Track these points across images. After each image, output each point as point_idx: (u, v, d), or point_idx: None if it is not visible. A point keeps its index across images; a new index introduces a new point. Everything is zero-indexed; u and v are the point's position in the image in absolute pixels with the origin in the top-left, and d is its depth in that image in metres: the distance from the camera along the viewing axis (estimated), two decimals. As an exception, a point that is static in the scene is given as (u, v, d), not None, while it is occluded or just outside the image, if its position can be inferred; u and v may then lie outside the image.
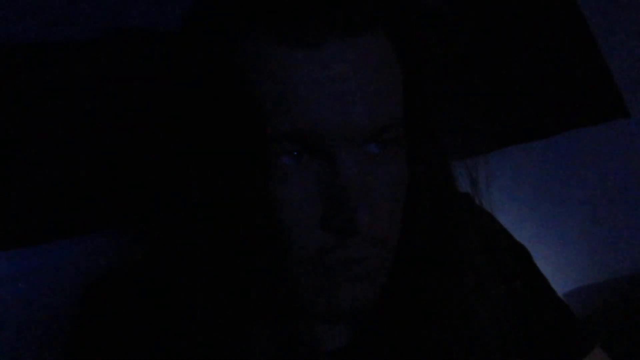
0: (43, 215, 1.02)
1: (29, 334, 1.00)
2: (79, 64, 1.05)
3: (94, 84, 1.05)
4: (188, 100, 0.72)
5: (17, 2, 1.03)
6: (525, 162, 1.38)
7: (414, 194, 0.76)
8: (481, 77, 1.40)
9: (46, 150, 1.03)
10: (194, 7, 0.74)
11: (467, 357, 0.79)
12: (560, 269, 1.35)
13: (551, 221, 1.38)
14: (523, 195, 1.36)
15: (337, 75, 0.68)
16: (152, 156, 0.76)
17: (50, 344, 0.99)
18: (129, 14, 1.07)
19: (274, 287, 0.73)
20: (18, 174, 1.02)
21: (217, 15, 0.71)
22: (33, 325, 1.00)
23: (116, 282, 0.79)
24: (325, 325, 0.78)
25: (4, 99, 1.02)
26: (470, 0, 1.42)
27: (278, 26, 0.68)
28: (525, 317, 0.84)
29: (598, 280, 1.40)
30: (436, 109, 0.76)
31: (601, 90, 1.48)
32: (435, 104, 0.76)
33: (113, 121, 1.04)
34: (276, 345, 0.75)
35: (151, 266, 0.76)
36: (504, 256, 0.85)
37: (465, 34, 1.40)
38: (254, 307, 0.73)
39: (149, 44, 1.06)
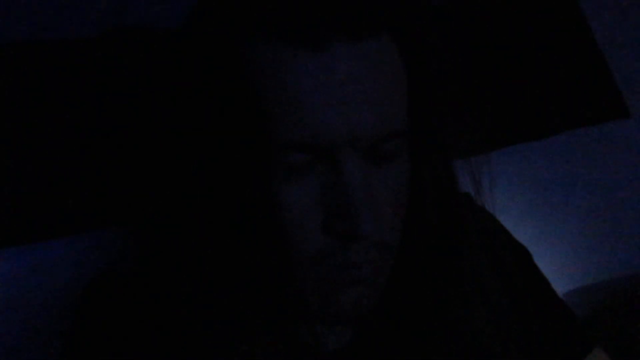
0: (42, 213, 1.02)
1: (27, 332, 1.00)
2: (79, 62, 1.05)
3: (95, 83, 1.05)
4: (191, 103, 0.71)
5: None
6: (526, 162, 1.39)
7: (416, 196, 0.76)
8: (482, 77, 1.40)
9: (46, 148, 1.03)
10: (197, 7, 0.73)
11: (468, 358, 0.79)
12: (560, 269, 1.35)
13: (551, 221, 1.39)
14: (523, 195, 1.36)
15: (342, 79, 0.68)
16: (154, 156, 0.76)
17: (48, 343, 0.99)
18: (129, 12, 1.07)
19: (276, 289, 0.73)
20: (17, 172, 1.02)
21: (222, 17, 0.71)
22: (31, 323, 1.00)
23: (115, 281, 0.79)
24: (327, 326, 0.78)
25: (4, 97, 1.02)
26: (471, 0, 1.42)
27: (283, 28, 0.68)
28: (526, 318, 0.84)
29: (598, 280, 1.40)
30: (440, 113, 0.76)
31: (601, 90, 1.48)
32: (440, 107, 0.76)
33: (113, 120, 1.04)
34: (278, 346, 0.75)
35: (151, 266, 0.76)
36: (504, 256, 0.85)
37: (466, 34, 1.40)
38: (256, 308, 0.73)
39: (150, 43, 1.06)
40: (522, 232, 0.93)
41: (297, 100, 0.68)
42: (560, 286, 0.94)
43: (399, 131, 0.71)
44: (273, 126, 0.68)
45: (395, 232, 0.74)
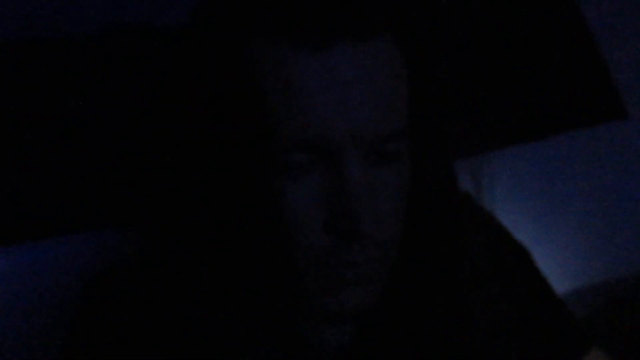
0: (44, 211, 1.02)
1: (29, 329, 1.00)
2: (80, 61, 1.05)
3: (95, 82, 1.05)
4: (194, 102, 0.72)
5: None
6: (526, 163, 1.39)
7: (416, 196, 0.76)
8: (482, 78, 1.40)
9: (46, 148, 1.03)
10: (201, 7, 0.73)
11: (467, 356, 0.79)
12: (560, 269, 1.35)
13: (551, 221, 1.39)
14: (523, 195, 1.36)
15: (345, 79, 0.68)
16: (156, 155, 0.76)
17: (48, 342, 0.99)
18: (129, 11, 1.07)
19: (277, 287, 0.73)
20: (17, 172, 1.02)
21: (225, 16, 0.71)
22: (33, 320, 1.00)
23: (118, 277, 0.79)
24: (329, 324, 0.78)
25: (4, 97, 1.02)
26: (472, 1, 1.42)
27: (287, 28, 0.68)
28: (525, 317, 0.84)
29: (598, 280, 1.40)
30: (441, 113, 0.76)
31: (600, 92, 1.49)
32: (440, 107, 0.76)
33: (114, 119, 1.04)
34: (280, 344, 0.75)
35: (154, 263, 0.77)
36: (504, 256, 0.85)
37: (466, 35, 1.40)
38: (258, 305, 0.74)
39: (150, 42, 1.06)
40: (521, 231, 0.93)
41: (300, 100, 0.68)
42: (560, 286, 0.94)
43: (400, 131, 0.72)
44: (276, 126, 0.68)
45: (396, 231, 0.74)
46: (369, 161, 0.71)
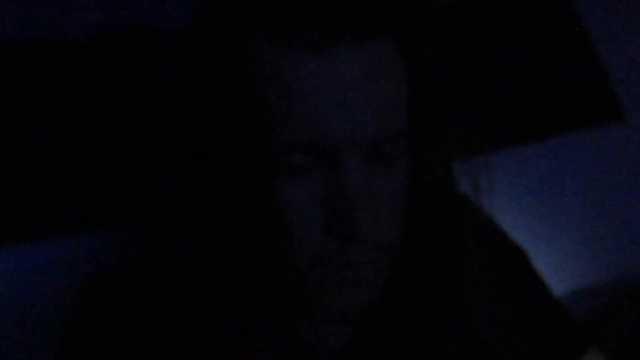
0: (44, 211, 1.02)
1: (26, 329, 1.00)
2: (80, 62, 1.05)
3: (95, 82, 1.05)
4: (194, 103, 0.72)
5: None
6: (524, 164, 1.39)
7: (415, 197, 0.76)
8: (480, 80, 1.40)
9: (46, 148, 1.03)
10: (201, 8, 0.74)
11: (466, 357, 0.79)
12: (559, 271, 1.35)
13: (549, 222, 1.39)
14: (521, 197, 1.37)
15: (344, 80, 0.68)
16: (156, 156, 0.77)
17: (47, 342, 0.99)
18: (129, 12, 1.07)
19: (277, 288, 0.73)
20: (17, 172, 1.02)
21: (226, 18, 0.71)
22: (30, 321, 1.00)
23: (117, 278, 0.79)
24: (328, 325, 0.78)
25: (4, 97, 1.03)
26: (470, 3, 1.42)
27: (286, 29, 0.68)
28: (522, 318, 0.84)
29: (597, 282, 1.40)
30: (440, 114, 0.76)
31: (598, 93, 1.49)
32: (439, 109, 0.76)
33: (114, 120, 1.04)
34: (280, 344, 0.75)
35: (153, 263, 0.77)
36: (501, 258, 0.86)
37: (464, 38, 1.40)
38: (257, 306, 0.74)
39: (150, 43, 1.06)
40: (520, 233, 0.93)
41: (300, 101, 0.68)
42: (559, 287, 0.94)
43: (399, 132, 0.72)
44: (276, 126, 0.69)
45: (395, 233, 0.74)
46: (368, 162, 0.71)
